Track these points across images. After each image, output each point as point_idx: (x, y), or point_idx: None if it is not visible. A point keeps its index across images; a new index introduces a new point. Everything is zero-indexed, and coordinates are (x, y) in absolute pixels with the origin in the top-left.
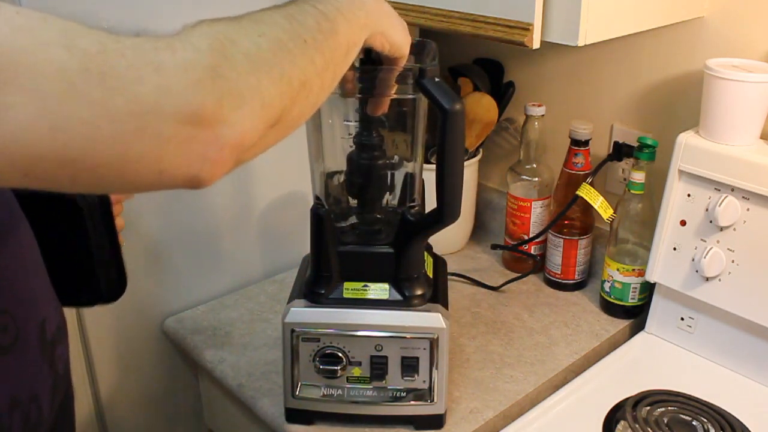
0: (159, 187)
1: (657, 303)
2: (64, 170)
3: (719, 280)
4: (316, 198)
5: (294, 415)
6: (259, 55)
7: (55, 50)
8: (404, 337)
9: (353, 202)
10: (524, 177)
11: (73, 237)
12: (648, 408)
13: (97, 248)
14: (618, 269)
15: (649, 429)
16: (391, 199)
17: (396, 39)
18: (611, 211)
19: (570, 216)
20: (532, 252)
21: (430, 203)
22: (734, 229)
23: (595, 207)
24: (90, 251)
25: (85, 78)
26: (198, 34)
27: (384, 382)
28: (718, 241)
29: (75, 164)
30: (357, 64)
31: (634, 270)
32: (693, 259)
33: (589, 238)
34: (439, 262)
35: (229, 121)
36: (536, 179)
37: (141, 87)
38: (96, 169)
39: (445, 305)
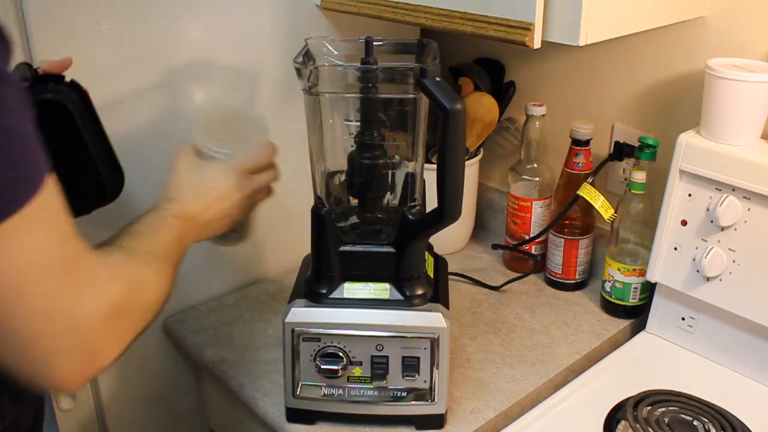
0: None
1: (658, 303)
2: None
3: (720, 280)
4: (317, 198)
5: (295, 415)
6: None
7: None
8: (405, 337)
9: (354, 201)
10: (525, 177)
11: (67, 138)
12: (649, 408)
13: (91, 142)
14: (619, 269)
15: (650, 429)
16: (392, 199)
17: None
18: (612, 210)
19: (571, 216)
20: (533, 252)
21: (431, 203)
22: (735, 229)
23: (596, 207)
24: (86, 147)
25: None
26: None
27: (385, 381)
28: (719, 241)
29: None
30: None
31: (634, 270)
32: (694, 259)
33: (590, 237)
34: (440, 262)
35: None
36: (537, 179)
37: None
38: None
39: (446, 305)
